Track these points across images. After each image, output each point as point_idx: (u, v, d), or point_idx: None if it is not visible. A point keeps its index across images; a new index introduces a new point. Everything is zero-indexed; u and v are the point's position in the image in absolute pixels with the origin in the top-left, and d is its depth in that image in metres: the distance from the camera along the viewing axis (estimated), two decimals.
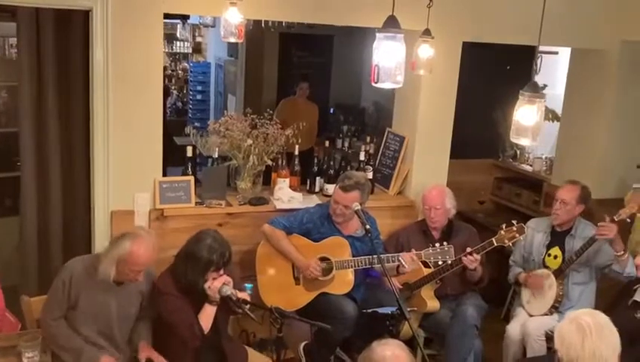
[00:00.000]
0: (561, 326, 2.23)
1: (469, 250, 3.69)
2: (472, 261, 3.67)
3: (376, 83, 2.30)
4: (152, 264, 3.02)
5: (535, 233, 4.06)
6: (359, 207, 3.56)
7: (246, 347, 3.46)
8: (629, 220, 3.76)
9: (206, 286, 3.06)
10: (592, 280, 3.96)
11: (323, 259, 3.76)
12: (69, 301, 2.91)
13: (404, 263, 3.64)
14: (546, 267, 3.97)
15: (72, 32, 3.74)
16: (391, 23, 2.28)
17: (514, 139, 2.55)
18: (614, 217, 3.67)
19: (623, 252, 3.68)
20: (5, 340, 2.97)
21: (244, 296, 3.21)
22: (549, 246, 4.01)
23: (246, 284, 3.19)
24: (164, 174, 4.09)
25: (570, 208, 3.90)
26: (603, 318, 2.19)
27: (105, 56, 3.58)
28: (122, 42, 3.59)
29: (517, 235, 3.65)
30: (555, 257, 3.97)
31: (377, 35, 2.29)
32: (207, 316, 3.09)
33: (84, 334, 2.94)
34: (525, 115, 2.45)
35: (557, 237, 4.00)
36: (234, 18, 3.37)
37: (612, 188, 4.81)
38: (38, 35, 3.68)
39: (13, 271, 3.92)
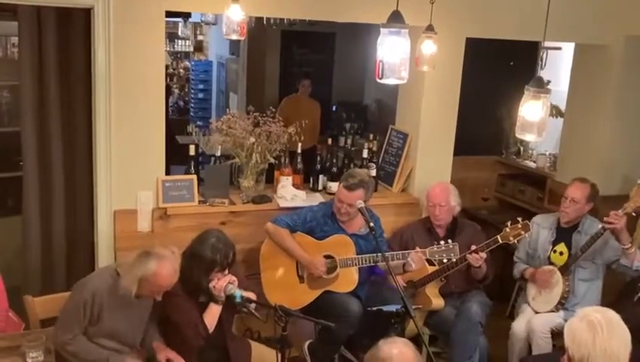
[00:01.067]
0: (571, 323, 2.21)
1: (473, 247, 3.68)
2: (477, 259, 3.66)
3: (380, 79, 2.29)
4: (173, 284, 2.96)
5: (541, 229, 4.04)
6: (363, 205, 3.55)
7: (249, 341, 3.46)
8: (634, 214, 3.73)
9: (211, 285, 3.07)
10: (598, 277, 3.94)
11: (327, 258, 3.74)
12: (90, 318, 2.85)
13: (411, 262, 3.63)
14: (551, 263, 3.96)
15: (73, 31, 3.72)
16: (395, 18, 2.26)
17: (519, 134, 2.53)
18: (620, 211, 3.65)
19: (630, 245, 3.66)
20: (9, 340, 2.96)
21: (249, 294, 3.20)
22: (554, 243, 3.99)
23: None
24: (168, 173, 4.08)
25: (579, 206, 3.88)
26: (614, 315, 2.17)
27: (107, 55, 3.57)
28: (124, 40, 3.58)
29: (522, 233, 3.64)
30: (561, 254, 3.95)
31: (382, 30, 2.27)
32: (212, 315, 3.10)
33: (104, 345, 2.92)
34: (530, 110, 2.44)
35: (563, 234, 3.98)
36: (236, 15, 3.36)
37: (617, 184, 4.78)
38: (40, 34, 3.67)
39: (16, 272, 3.91)
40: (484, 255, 3.67)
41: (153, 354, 3.06)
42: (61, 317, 2.92)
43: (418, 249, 3.69)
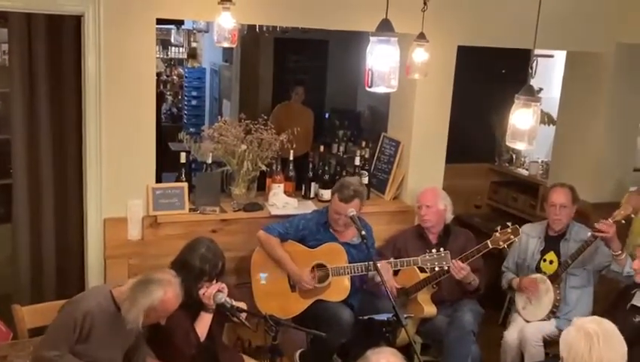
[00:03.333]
0: (567, 333, 2.20)
1: (451, 265, 3.66)
2: (458, 269, 3.64)
3: (370, 87, 2.28)
4: None
5: (529, 239, 4.04)
6: (354, 213, 3.53)
7: (242, 355, 3.43)
8: (624, 221, 3.74)
9: (200, 293, 3.05)
10: (589, 284, 3.94)
11: (319, 266, 3.72)
12: (78, 338, 2.76)
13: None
14: (540, 272, 3.95)
15: (64, 38, 3.70)
16: (385, 27, 2.26)
17: (510, 143, 2.53)
18: (609, 219, 3.66)
19: (620, 251, 3.67)
20: None
21: (240, 303, 3.18)
22: (543, 252, 3.99)
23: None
24: (160, 180, 4.06)
25: (569, 210, 3.91)
26: (610, 326, 2.16)
27: (97, 62, 3.55)
28: (114, 48, 3.56)
29: (512, 237, 3.64)
30: (551, 262, 3.95)
31: (371, 38, 2.27)
32: (203, 324, 3.08)
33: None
34: (521, 118, 2.43)
35: (551, 242, 3.98)
36: (227, 23, 3.35)
37: (609, 191, 4.79)
38: (30, 41, 3.65)
39: (5, 280, 3.88)
40: (465, 265, 3.64)
41: None
42: (49, 333, 2.82)
43: (383, 261, 3.68)
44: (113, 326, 2.78)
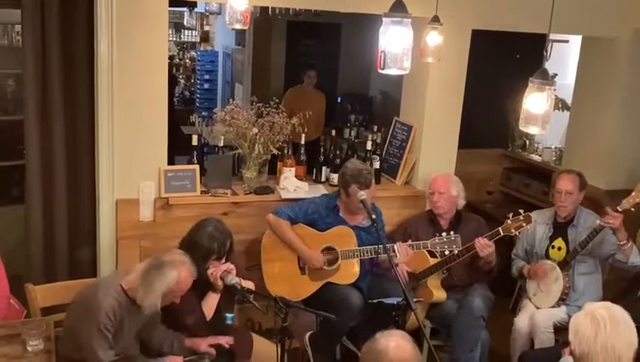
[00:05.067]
0: (576, 318, 2.19)
1: (477, 241, 3.65)
2: (484, 246, 3.63)
3: (382, 69, 2.26)
4: None
5: (537, 225, 4.01)
6: (365, 196, 3.52)
7: (251, 333, 3.46)
8: (633, 209, 3.71)
9: (209, 272, 3.07)
10: (597, 271, 3.94)
11: (329, 249, 3.73)
12: (112, 337, 2.77)
13: (397, 253, 3.61)
14: (549, 259, 3.93)
15: (76, 19, 3.70)
16: (398, 8, 2.24)
17: (523, 127, 2.50)
18: (618, 207, 3.63)
19: (625, 241, 3.65)
20: (9, 328, 2.97)
21: (248, 283, 3.20)
22: (552, 238, 3.97)
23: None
24: (172, 163, 4.07)
25: (575, 197, 3.88)
26: (620, 312, 2.14)
27: (109, 44, 3.56)
28: (127, 29, 3.57)
29: (523, 224, 3.62)
30: (559, 249, 3.93)
31: (384, 19, 2.25)
32: (210, 303, 3.10)
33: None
34: (534, 102, 2.40)
35: (560, 229, 3.96)
36: (239, 4, 3.32)
37: (622, 178, 4.74)
38: (43, 23, 3.65)
39: (18, 260, 3.91)
40: (491, 243, 3.64)
41: (190, 352, 3.04)
42: (87, 344, 2.72)
43: (408, 243, 3.67)
44: (127, 316, 2.80)
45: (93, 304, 2.73)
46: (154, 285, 2.72)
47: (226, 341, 3.10)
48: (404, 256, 3.63)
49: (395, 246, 3.62)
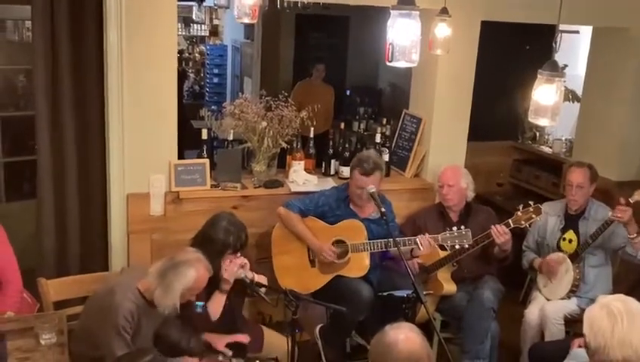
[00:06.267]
0: (591, 310, 2.17)
1: (493, 227, 3.63)
2: (501, 233, 3.62)
3: (390, 62, 2.26)
4: None
5: (549, 217, 4.00)
6: (374, 189, 3.53)
7: (261, 326, 3.47)
8: None
9: (223, 266, 3.08)
10: (607, 263, 3.92)
11: (339, 242, 3.74)
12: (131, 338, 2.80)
13: (420, 246, 3.60)
14: (560, 251, 3.92)
15: (86, 15, 3.71)
16: (406, 0, 2.23)
17: (532, 119, 2.48)
18: (629, 199, 3.61)
19: (636, 234, 3.62)
20: (23, 322, 2.99)
21: (261, 278, 3.21)
22: (563, 230, 3.96)
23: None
24: (182, 157, 4.09)
25: (586, 190, 3.86)
26: (636, 306, 2.12)
27: (119, 39, 3.57)
28: (136, 24, 3.58)
29: (534, 216, 3.61)
30: (570, 241, 3.92)
31: (392, 12, 2.24)
32: (216, 304, 3.10)
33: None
34: (544, 94, 2.39)
35: (571, 221, 3.95)
36: None
37: (634, 170, 4.72)
38: (53, 18, 3.66)
39: (31, 254, 3.95)
40: (507, 230, 3.63)
41: (209, 349, 3.06)
42: (106, 345, 2.73)
43: (427, 234, 3.67)
44: (145, 318, 2.82)
45: (111, 306, 2.74)
46: (172, 286, 2.73)
47: (243, 338, 3.11)
48: (427, 248, 3.63)
49: (418, 239, 3.62)
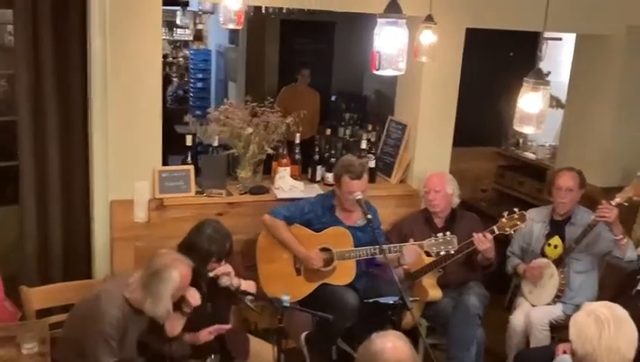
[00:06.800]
0: (577, 317, 2.18)
1: (475, 235, 3.65)
2: (482, 241, 3.63)
3: (377, 70, 2.26)
4: None
5: (534, 223, 4.02)
6: (361, 196, 3.52)
7: (248, 335, 3.45)
8: (626, 204, 3.72)
9: (210, 274, 3.09)
10: (593, 269, 3.94)
11: (324, 250, 3.72)
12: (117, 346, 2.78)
13: (406, 256, 3.61)
14: (545, 257, 3.94)
15: (70, 19, 3.68)
16: (393, 8, 2.23)
17: (517, 127, 2.50)
18: (611, 202, 3.64)
19: (622, 236, 3.66)
20: (4, 331, 2.95)
21: (249, 284, 3.21)
22: (548, 236, 3.98)
23: None
24: (166, 163, 4.06)
25: (574, 194, 3.89)
26: (621, 312, 2.13)
27: (103, 44, 3.55)
28: (120, 29, 3.55)
29: (518, 223, 3.62)
30: (556, 247, 3.94)
31: (379, 20, 2.24)
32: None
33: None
34: (529, 102, 2.40)
35: (556, 227, 3.97)
36: (233, 4, 3.31)
37: (617, 176, 4.75)
38: (35, 23, 3.62)
39: (12, 261, 3.90)
40: (490, 236, 3.64)
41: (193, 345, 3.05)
42: (92, 354, 2.72)
43: (412, 241, 3.67)
44: (131, 325, 2.81)
45: (97, 314, 2.72)
46: (161, 294, 2.72)
47: (225, 328, 3.10)
48: (414, 256, 3.63)
49: (404, 250, 3.62)
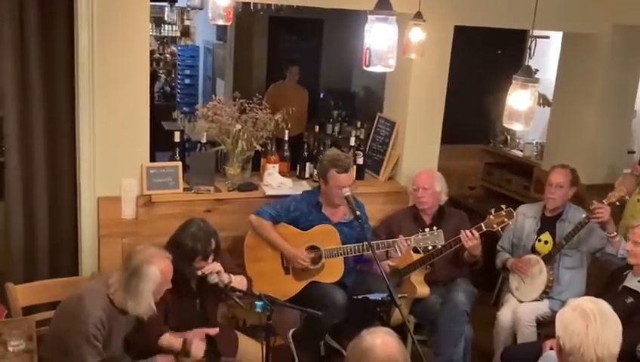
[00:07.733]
0: (563, 313, 2.19)
1: (462, 232, 3.67)
2: (469, 238, 3.64)
3: (367, 66, 2.25)
4: None
5: (525, 219, 4.06)
6: (349, 193, 3.52)
7: (236, 332, 3.45)
8: (617, 203, 3.76)
9: (198, 273, 3.08)
10: (582, 265, 3.97)
11: (312, 248, 3.72)
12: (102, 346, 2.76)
13: (398, 251, 3.62)
14: (535, 252, 3.97)
15: (56, 14, 3.64)
16: (383, 5, 2.23)
17: (507, 124, 2.52)
18: (604, 201, 3.68)
19: (615, 233, 3.70)
20: None
21: (240, 279, 3.20)
22: (539, 232, 4.01)
23: None
24: (153, 159, 4.04)
25: (565, 191, 3.92)
26: (606, 306, 2.15)
27: (90, 39, 3.51)
28: (107, 24, 3.53)
29: (506, 220, 3.64)
30: (546, 242, 3.97)
31: (369, 17, 2.24)
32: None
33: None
34: (518, 99, 2.42)
35: (547, 223, 4.00)
36: (222, 0, 3.30)
37: (603, 173, 4.80)
38: (21, 17, 3.58)
39: None
40: (477, 234, 3.65)
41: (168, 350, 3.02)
42: (77, 354, 2.69)
43: (402, 237, 3.68)
44: (115, 325, 2.79)
45: (81, 315, 2.70)
46: (142, 292, 2.70)
47: (212, 331, 3.08)
48: (405, 251, 3.66)
49: (396, 245, 3.64)
